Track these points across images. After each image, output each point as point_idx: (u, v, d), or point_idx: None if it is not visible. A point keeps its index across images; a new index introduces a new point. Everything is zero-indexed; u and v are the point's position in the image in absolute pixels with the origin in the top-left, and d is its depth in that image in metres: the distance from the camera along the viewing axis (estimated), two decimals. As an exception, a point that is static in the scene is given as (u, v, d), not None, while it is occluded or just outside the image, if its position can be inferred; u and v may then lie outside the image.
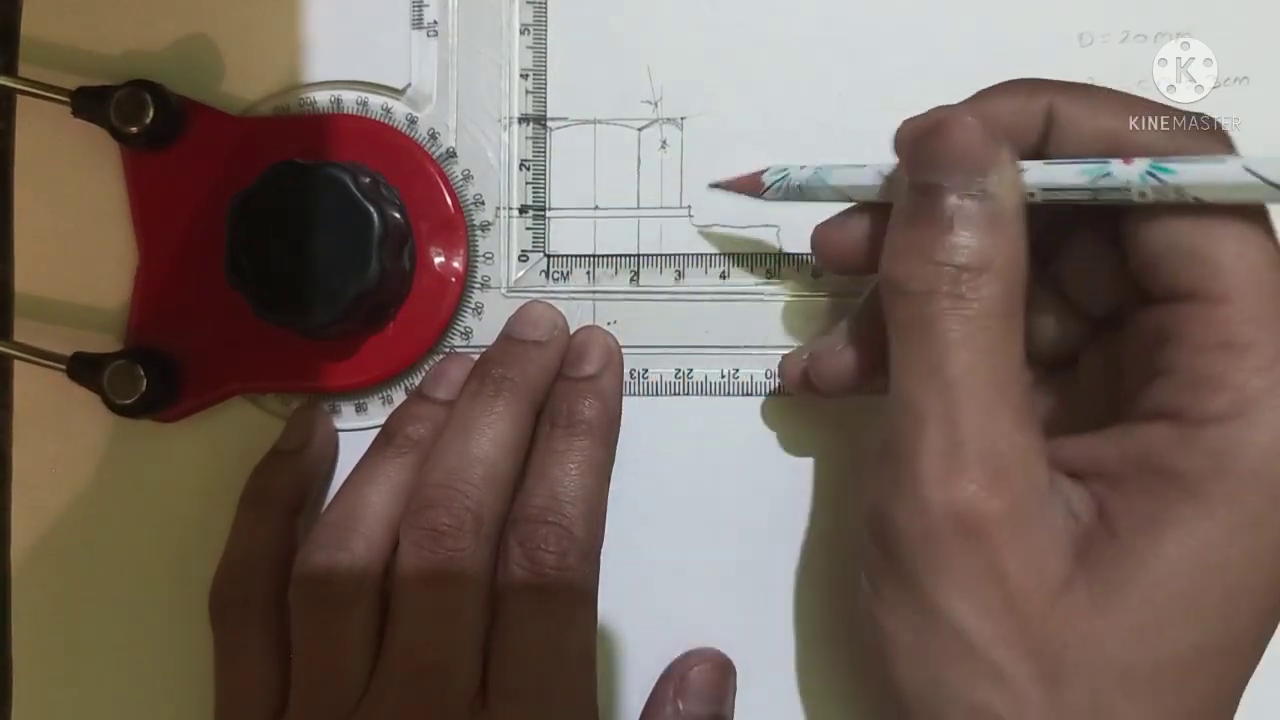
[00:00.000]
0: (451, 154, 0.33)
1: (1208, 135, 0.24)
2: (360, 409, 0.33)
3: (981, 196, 0.24)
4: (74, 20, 0.34)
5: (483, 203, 0.33)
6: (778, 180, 0.30)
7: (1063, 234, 0.28)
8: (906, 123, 0.26)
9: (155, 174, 0.33)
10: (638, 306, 0.33)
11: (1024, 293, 0.24)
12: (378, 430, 0.32)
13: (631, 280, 0.33)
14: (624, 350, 0.33)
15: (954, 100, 0.28)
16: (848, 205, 0.29)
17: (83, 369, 0.32)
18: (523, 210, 0.33)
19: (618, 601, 0.32)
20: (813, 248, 0.30)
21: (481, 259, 0.33)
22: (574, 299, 0.33)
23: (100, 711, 0.34)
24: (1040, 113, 0.25)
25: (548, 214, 0.33)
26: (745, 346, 0.33)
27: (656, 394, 0.33)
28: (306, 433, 0.33)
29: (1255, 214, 0.23)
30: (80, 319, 0.34)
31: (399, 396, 0.33)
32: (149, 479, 0.34)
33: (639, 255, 0.33)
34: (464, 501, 0.29)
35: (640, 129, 0.33)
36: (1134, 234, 0.24)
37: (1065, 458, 0.25)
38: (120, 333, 0.33)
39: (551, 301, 0.33)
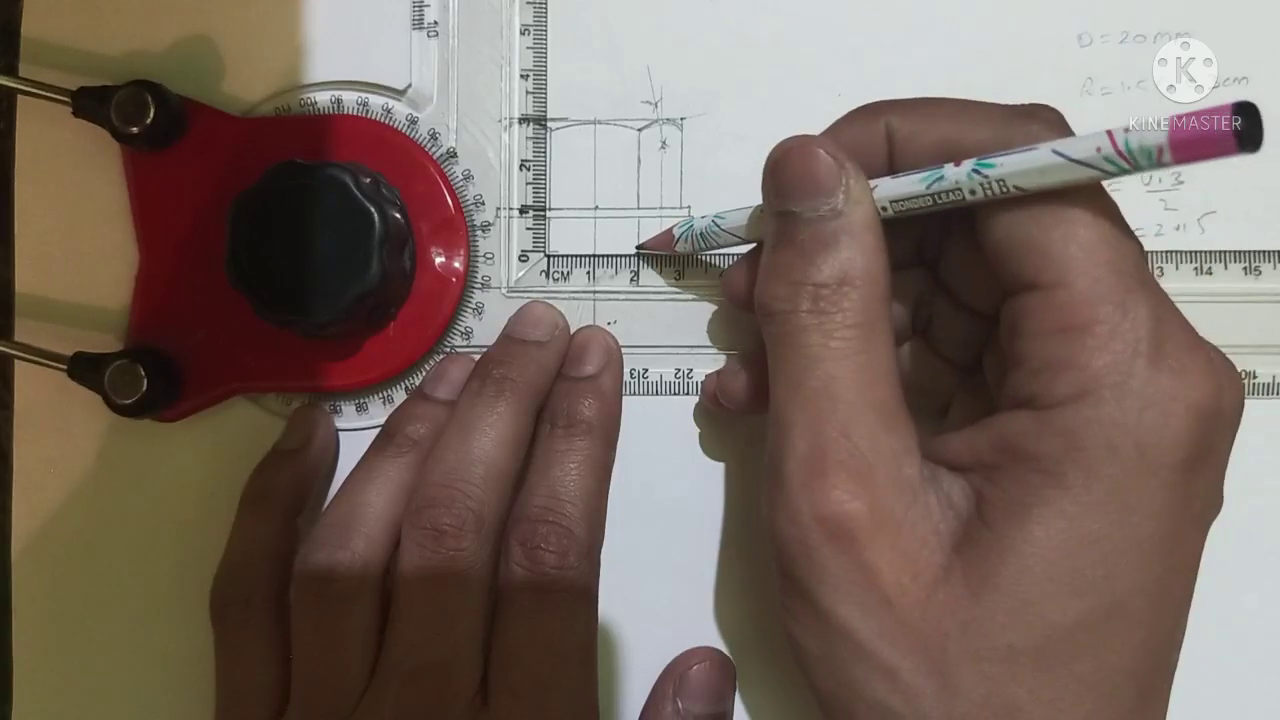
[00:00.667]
0: (452, 154, 0.33)
1: (1039, 121, 0.25)
2: (361, 408, 0.33)
3: (832, 215, 0.25)
4: (75, 20, 0.34)
5: (483, 203, 0.33)
6: (684, 232, 0.31)
7: (941, 240, 0.29)
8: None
9: (156, 174, 0.33)
10: (638, 306, 0.33)
11: (887, 300, 0.25)
12: (378, 430, 0.32)
13: (632, 280, 0.33)
14: (624, 350, 0.33)
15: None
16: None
17: (84, 369, 0.32)
18: (523, 210, 0.33)
19: (618, 601, 0.32)
20: (722, 292, 0.31)
21: (482, 259, 0.33)
22: (574, 299, 0.33)
23: (100, 711, 0.34)
24: (881, 133, 0.27)
25: (548, 214, 0.33)
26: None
27: (656, 394, 0.33)
28: (307, 432, 0.33)
29: (1084, 195, 0.23)
30: (81, 319, 0.34)
31: (400, 396, 0.33)
32: (149, 479, 0.34)
33: (639, 255, 0.33)
34: (465, 501, 0.29)
35: (640, 129, 0.33)
36: (982, 233, 0.25)
37: (948, 452, 0.25)
38: (121, 332, 0.33)
39: (552, 301, 0.33)
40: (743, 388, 0.30)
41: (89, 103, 0.31)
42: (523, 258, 0.33)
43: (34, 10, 0.34)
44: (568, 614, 0.29)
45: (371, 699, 0.28)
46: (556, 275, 0.33)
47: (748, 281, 0.29)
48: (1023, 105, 0.26)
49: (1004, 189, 0.24)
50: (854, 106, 0.32)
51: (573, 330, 0.33)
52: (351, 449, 0.33)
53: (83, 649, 0.34)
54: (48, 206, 0.34)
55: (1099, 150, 0.22)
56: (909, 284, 0.30)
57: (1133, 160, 0.22)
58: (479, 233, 0.33)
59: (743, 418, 0.32)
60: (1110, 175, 0.22)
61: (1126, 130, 0.22)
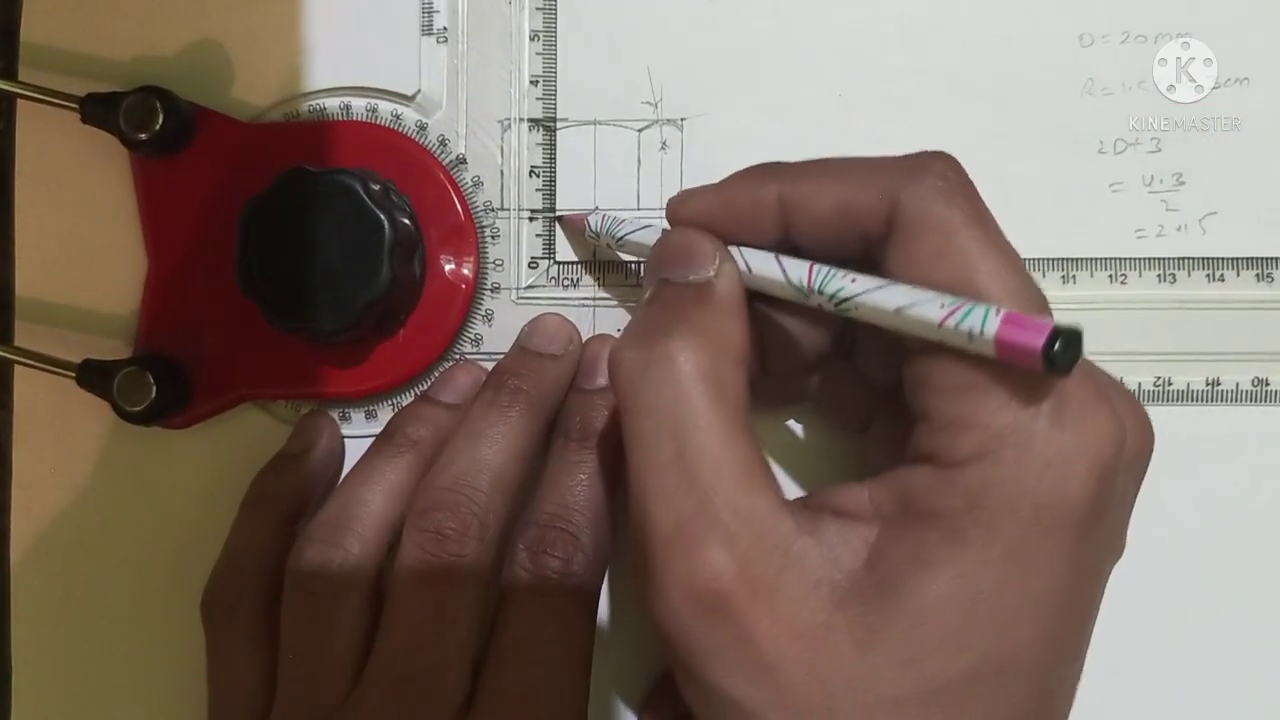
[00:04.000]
0: (461, 160, 0.33)
1: (932, 175, 0.24)
2: (370, 416, 0.33)
3: (700, 282, 0.26)
4: (76, 24, 0.33)
5: (493, 209, 0.33)
6: (595, 231, 0.32)
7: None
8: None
9: (164, 180, 0.33)
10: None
11: (741, 363, 0.25)
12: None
13: (639, 286, 0.33)
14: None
15: (947, 104, 0.30)
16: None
17: (93, 376, 0.31)
18: (533, 216, 0.33)
19: (621, 601, 0.33)
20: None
21: (491, 265, 0.33)
22: (584, 305, 0.33)
23: (99, 712, 0.34)
24: (772, 201, 0.26)
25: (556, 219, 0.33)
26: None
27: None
28: (312, 438, 0.33)
29: (990, 261, 0.23)
30: (85, 323, 0.34)
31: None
32: (150, 481, 0.34)
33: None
34: (471, 507, 0.29)
35: (640, 130, 0.33)
36: None
37: (847, 501, 0.25)
38: (126, 338, 0.33)
39: (561, 308, 0.33)
40: None
41: (97, 109, 0.31)
42: (532, 264, 0.33)
43: (34, 13, 0.34)
44: (566, 621, 0.29)
45: (355, 699, 0.28)
46: (566, 281, 0.33)
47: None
48: (915, 157, 0.25)
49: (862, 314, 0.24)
50: (857, 104, 0.33)
51: (584, 338, 0.33)
52: (358, 456, 0.33)
53: (82, 650, 0.34)
54: (48, 208, 0.34)
55: (940, 322, 0.22)
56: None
57: (959, 338, 0.22)
58: (488, 239, 0.33)
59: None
60: (945, 342, 0.23)
61: (966, 312, 0.22)
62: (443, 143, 0.33)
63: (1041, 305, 0.23)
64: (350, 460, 0.34)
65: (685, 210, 0.28)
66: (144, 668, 0.34)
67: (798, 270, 0.25)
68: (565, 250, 0.33)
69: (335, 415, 0.33)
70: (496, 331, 0.33)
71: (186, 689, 0.33)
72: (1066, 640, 0.24)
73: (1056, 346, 0.21)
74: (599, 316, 0.33)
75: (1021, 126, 0.33)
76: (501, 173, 0.33)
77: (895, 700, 0.23)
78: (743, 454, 0.24)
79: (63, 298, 0.34)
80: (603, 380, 0.32)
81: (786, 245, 0.26)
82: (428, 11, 0.33)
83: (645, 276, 0.28)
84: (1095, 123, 0.33)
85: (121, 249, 0.33)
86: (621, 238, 0.30)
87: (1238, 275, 0.32)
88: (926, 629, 0.23)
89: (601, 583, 0.30)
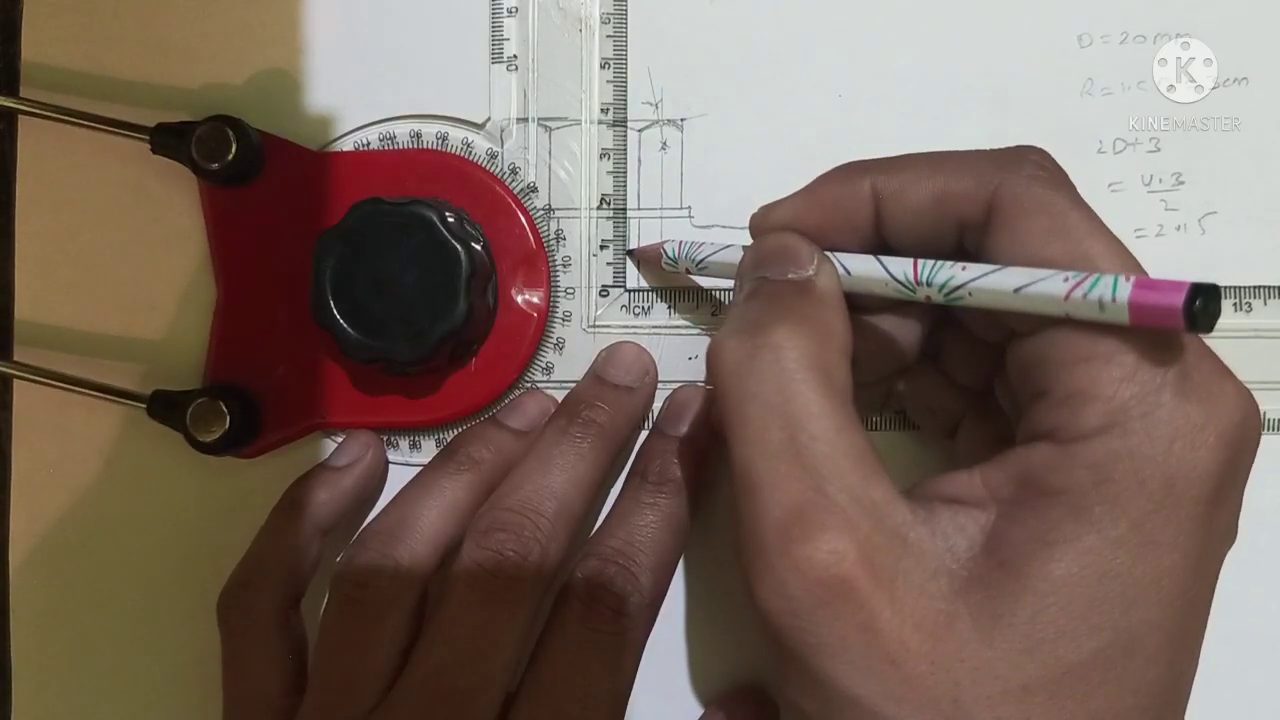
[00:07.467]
0: (532, 188, 0.33)
1: (1028, 164, 0.25)
2: (441, 444, 0.33)
3: (800, 279, 0.26)
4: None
5: (564, 238, 0.33)
6: (672, 257, 0.32)
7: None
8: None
9: (234, 209, 0.32)
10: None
11: (846, 355, 0.25)
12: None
13: (713, 314, 0.33)
14: (704, 384, 0.32)
15: (946, 104, 0.31)
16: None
17: (164, 407, 0.31)
18: (604, 245, 0.33)
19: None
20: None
21: (563, 294, 0.33)
22: (655, 334, 0.33)
23: (99, 713, 0.34)
24: (865, 193, 0.26)
25: (629, 246, 0.33)
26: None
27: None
28: (358, 454, 0.33)
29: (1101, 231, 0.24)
30: (80, 345, 0.34)
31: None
32: (150, 481, 0.34)
33: (720, 290, 0.33)
34: (535, 533, 0.28)
35: (640, 130, 0.33)
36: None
37: (958, 488, 0.24)
38: (127, 355, 0.34)
39: (633, 336, 0.33)
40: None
41: (168, 139, 0.31)
42: (603, 292, 0.33)
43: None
44: (611, 660, 0.29)
45: (384, 711, 0.28)
46: (637, 310, 0.33)
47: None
48: (1009, 150, 0.25)
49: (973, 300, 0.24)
50: (857, 105, 0.33)
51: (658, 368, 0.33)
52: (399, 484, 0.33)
53: (81, 651, 0.34)
54: (47, 209, 0.34)
55: (1067, 295, 0.22)
56: (921, 313, 0.29)
57: (1089, 308, 0.22)
58: (560, 267, 0.33)
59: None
60: (1071, 315, 0.22)
61: (1094, 282, 0.22)
62: (514, 171, 0.33)
63: None
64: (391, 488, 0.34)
65: (773, 217, 0.28)
66: (143, 668, 0.34)
67: (900, 266, 0.25)
68: (636, 278, 0.33)
69: (405, 443, 0.33)
70: (568, 360, 0.33)
71: (186, 689, 0.33)
72: (1191, 623, 0.23)
73: (1198, 303, 0.20)
74: (671, 345, 0.33)
75: (1021, 127, 0.33)
76: (574, 201, 0.33)
77: (1023, 687, 0.22)
78: (856, 441, 0.24)
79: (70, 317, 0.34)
80: (687, 429, 0.32)
81: (876, 245, 0.27)
82: (498, 39, 0.33)
83: (739, 281, 0.27)
84: (1095, 123, 0.33)
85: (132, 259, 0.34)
86: (703, 260, 0.30)
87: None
88: (1054, 611, 0.22)
89: (650, 631, 0.30)
